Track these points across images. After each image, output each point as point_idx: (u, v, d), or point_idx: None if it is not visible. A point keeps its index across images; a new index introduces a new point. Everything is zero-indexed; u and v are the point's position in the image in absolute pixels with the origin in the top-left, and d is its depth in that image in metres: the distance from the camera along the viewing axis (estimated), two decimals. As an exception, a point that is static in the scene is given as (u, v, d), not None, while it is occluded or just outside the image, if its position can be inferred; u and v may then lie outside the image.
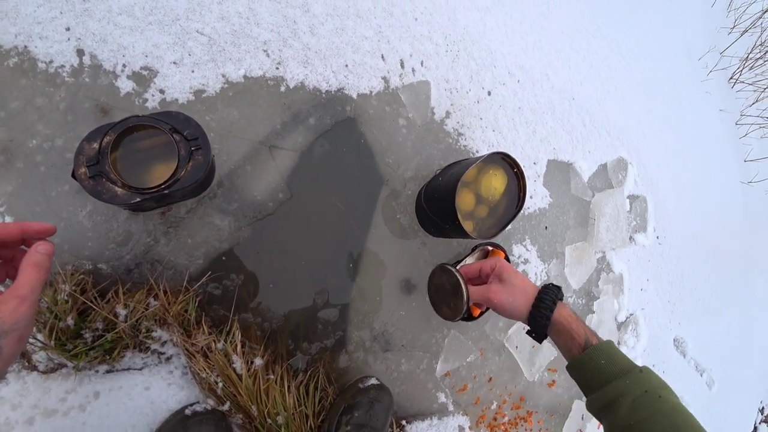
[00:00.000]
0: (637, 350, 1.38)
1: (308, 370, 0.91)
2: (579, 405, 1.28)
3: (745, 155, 2.07)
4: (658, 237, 1.48)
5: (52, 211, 0.80)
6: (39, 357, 0.72)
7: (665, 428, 0.52)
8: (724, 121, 2.01)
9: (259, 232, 0.90)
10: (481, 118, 1.15)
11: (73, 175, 0.68)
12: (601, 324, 1.31)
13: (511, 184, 1.00)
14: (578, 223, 1.31)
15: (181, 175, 0.72)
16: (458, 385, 1.10)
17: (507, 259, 1.07)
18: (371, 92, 1.02)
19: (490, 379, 1.14)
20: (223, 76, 0.89)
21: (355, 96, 1.00)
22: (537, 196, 1.23)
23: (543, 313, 0.68)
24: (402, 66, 1.06)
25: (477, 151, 1.13)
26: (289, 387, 0.85)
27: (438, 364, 1.06)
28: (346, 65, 1.00)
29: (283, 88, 0.93)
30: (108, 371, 0.74)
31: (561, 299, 0.70)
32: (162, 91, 0.86)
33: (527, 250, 1.20)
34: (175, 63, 0.87)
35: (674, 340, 1.53)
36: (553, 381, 1.25)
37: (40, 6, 0.82)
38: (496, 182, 0.98)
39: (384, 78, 1.03)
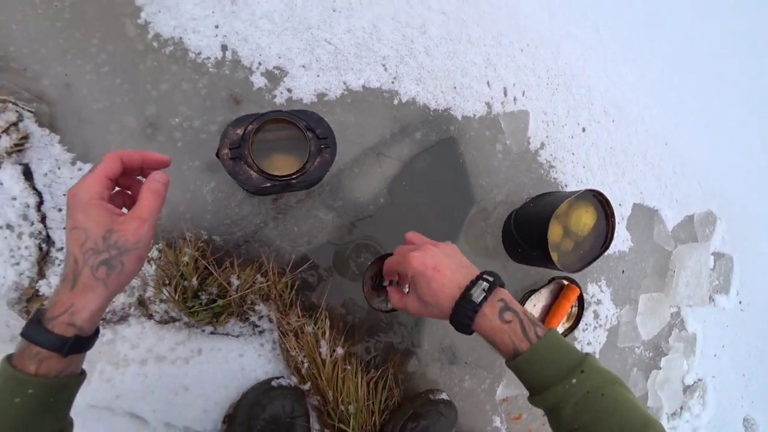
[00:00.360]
0: (702, 419, 1.31)
1: (379, 368, 0.95)
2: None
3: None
4: (741, 302, 1.41)
5: (181, 182, 0.89)
6: (157, 308, 0.80)
7: (612, 427, 0.48)
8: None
9: (357, 231, 0.96)
10: (573, 154, 1.16)
11: (217, 155, 0.77)
12: (667, 382, 1.26)
13: (600, 222, 1.01)
14: (656, 273, 1.27)
15: (309, 169, 0.79)
16: (514, 412, 1.09)
17: (581, 297, 1.07)
18: (474, 115, 1.06)
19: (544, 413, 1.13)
20: (344, 83, 0.97)
21: (459, 117, 1.04)
22: (618, 239, 1.21)
23: (461, 329, 0.57)
24: (505, 94, 1.10)
25: (566, 185, 1.14)
26: (361, 380, 0.89)
27: (499, 387, 1.06)
28: (455, 87, 1.05)
29: (396, 102, 1.00)
30: (212, 333, 0.81)
31: (474, 313, 0.55)
32: (290, 90, 0.94)
33: (602, 291, 1.18)
34: (303, 66, 0.96)
35: (744, 419, 1.43)
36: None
37: (197, 5, 0.93)
38: (586, 218, 0.99)
39: (487, 103, 1.08)
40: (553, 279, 1.07)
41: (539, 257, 0.95)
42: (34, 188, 0.83)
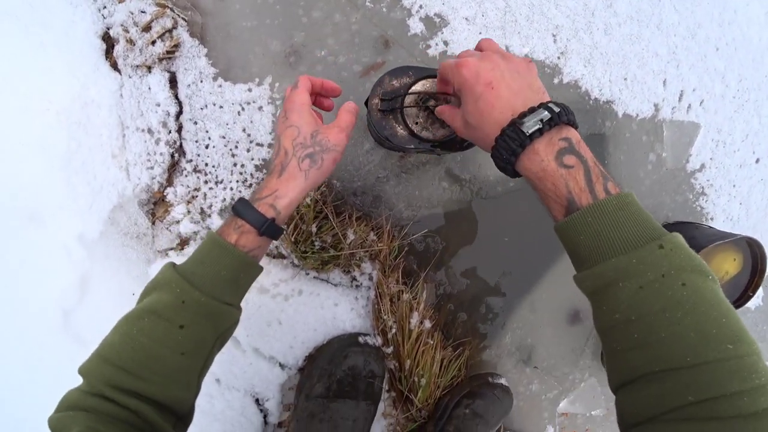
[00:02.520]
0: None
1: (456, 348, 0.94)
2: None
3: None
4: None
5: (315, 118, 0.87)
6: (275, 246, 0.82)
7: (687, 328, 0.33)
8: None
9: (478, 209, 0.91)
10: (734, 186, 1.00)
11: (366, 103, 0.73)
12: None
13: (743, 274, 0.89)
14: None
15: (457, 137, 0.73)
16: (569, 428, 1.07)
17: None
18: (637, 115, 0.92)
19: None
20: (507, 48, 0.86)
21: (620, 114, 0.91)
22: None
23: (502, 166, 0.46)
24: (680, 98, 0.94)
25: (712, 219, 1.00)
26: (438, 356, 0.90)
27: (564, 401, 1.03)
28: (625, 78, 0.91)
29: (556, 80, 0.88)
30: (315, 277, 0.83)
31: (522, 148, 0.42)
32: (446, 43, 0.86)
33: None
34: (467, 19, 0.86)
35: None
36: None
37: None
38: (729, 266, 0.87)
39: (656, 105, 0.93)
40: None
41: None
42: (177, 98, 0.84)
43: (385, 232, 0.82)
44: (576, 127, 0.44)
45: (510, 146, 0.42)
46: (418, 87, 0.68)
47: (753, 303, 1.08)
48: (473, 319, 0.96)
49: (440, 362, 0.91)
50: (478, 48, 0.52)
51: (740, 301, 0.88)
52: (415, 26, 0.85)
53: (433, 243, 0.90)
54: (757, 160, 1.00)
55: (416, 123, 0.68)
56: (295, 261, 0.81)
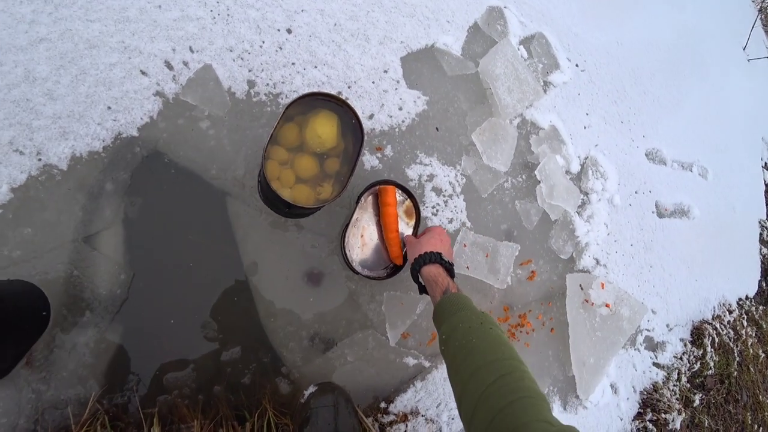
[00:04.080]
0: (609, 189, 1.21)
1: (255, 415, 0.87)
2: (573, 278, 1.16)
3: None
4: (577, 65, 1.25)
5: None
6: None
7: (486, 348, 0.64)
8: None
9: (127, 320, 0.84)
10: (293, 63, 0.98)
11: None
12: (554, 188, 1.15)
13: (345, 117, 0.85)
14: (474, 103, 1.12)
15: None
16: (424, 339, 1.02)
17: (401, 188, 0.95)
18: (152, 117, 0.88)
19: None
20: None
21: (136, 133, 0.87)
22: (407, 104, 1.05)
23: (418, 266, 0.83)
24: (170, 67, 0.90)
25: (307, 103, 0.97)
26: (240, 443, 0.82)
27: (388, 333, 0.98)
28: (109, 108, 0.86)
29: (58, 175, 0.83)
30: None
31: (435, 262, 0.83)
32: None
33: (426, 164, 1.05)
34: None
35: (646, 155, 1.33)
36: (533, 272, 1.13)
37: None
38: (320, 129, 0.83)
39: (158, 93, 0.89)
40: (360, 197, 0.94)
41: (296, 208, 0.81)
42: None
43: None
44: (453, 277, 0.84)
45: (431, 258, 0.83)
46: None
47: (421, 104, 1.06)
48: (244, 376, 0.89)
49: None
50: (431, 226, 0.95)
51: (360, 130, 0.85)
52: None
53: (130, 381, 0.83)
54: (289, 30, 0.98)
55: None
56: None
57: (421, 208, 1.01)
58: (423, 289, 0.86)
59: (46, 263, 0.82)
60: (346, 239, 0.92)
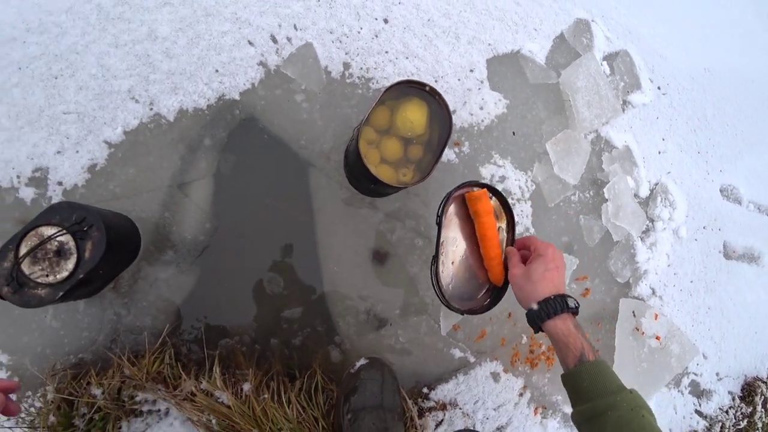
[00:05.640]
0: (676, 220, 1.18)
1: (304, 376, 0.91)
2: (627, 303, 1.14)
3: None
4: (659, 87, 1.23)
5: (23, 326, 0.87)
6: None
7: None
8: None
9: (205, 266, 0.90)
10: (386, 52, 1.02)
11: (1, 296, 0.73)
12: (621, 209, 1.14)
13: (435, 108, 0.89)
14: (552, 112, 1.13)
15: (86, 257, 0.74)
16: (474, 334, 1.03)
17: (491, 189, 0.82)
18: (254, 84, 0.95)
19: (510, 314, 1.06)
20: (105, 142, 0.89)
21: (238, 97, 0.94)
22: (488, 104, 1.07)
23: (539, 317, 0.69)
24: (274, 40, 0.97)
25: (394, 90, 1.01)
26: (288, 399, 0.86)
27: (441, 321, 1.00)
28: (217, 70, 0.94)
29: (164, 124, 0.91)
30: (117, 445, 0.80)
31: (563, 312, 0.67)
32: (60, 183, 0.88)
33: (499, 166, 1.07)
34: (59, 152, 0.88)
35: (721, 190, 1.28)
36: (586, 289, 1.12)
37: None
38: (411, 114, 0.87)
39: (261, 63, 0.96)
40: (440, 218, 0.78)
41: (381, 186, 0.85)
42: None
43: (124, 362, 0.80)
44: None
45: (555, 308, 0.67)
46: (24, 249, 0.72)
47: (501, 107, 1.08)
48: (301, 339, 0.94)
49: (296, 400, 0.87)
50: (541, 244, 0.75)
51: (449, 123, 0.87)
52: (27, 193, 0.87)
53: (198, 322, 0.89)
54: (386, 21, 1.03)
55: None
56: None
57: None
58: (539, 329, 0.71)
59: (143, 202, 0.90)
60: (439, 273, 0.76)
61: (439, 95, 0.86)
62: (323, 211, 0.95)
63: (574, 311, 0.68)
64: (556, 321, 0.66)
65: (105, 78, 0.90)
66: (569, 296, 0.69)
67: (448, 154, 1.03)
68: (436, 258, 0.76)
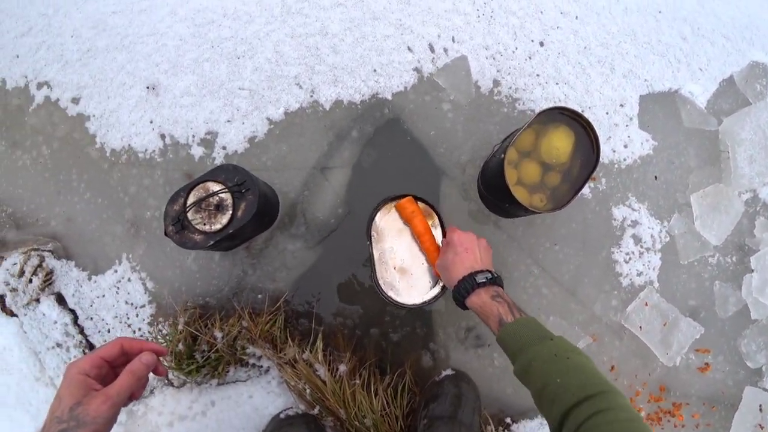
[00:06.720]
0: (842, 311, 1.01)
1: (394, 373, 0.93)
2: (754, 393, 1.00)
3: None
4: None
5: (170, 262, 1.00)
6: (172, 376, 0.91)
7: (574, 383, 0.55)
8: None
9: (329, 247, 0.97)
10: (537, 75, 1.02)
11: (166, 233, 0.85)
12: (767, 283, 1.00)
13: (581, 139, 0.86)
14: (704, 162, 1.03)
15: (239, 215, 0.84)
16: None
17: (419, 198, 0.89)
18: (406, 88, 1.00)
19: (612, 367, 0.98)
20: (267, 119, 1.00)
21: (389, 97, 1.00)
22: (634, 143, 1.02)
23: (458, 301, 0.74)
24: (432, 50, 1.01)
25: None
26: (376, 390, 0.89)
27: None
28: (375, 70, 1.00)
29: (320, 112, 0.99)
30: (219, 384, 0.89)
31: (475, 288, 0.71)
32: (224, 147, 1.00)
33: (634, 209, 1.00)
34: (228, 121, 1.01)
35: None
36: (707, 364, 1.00)
37: (131, 111, 1.04)
38: (557, 142, 0.85)
39: (416, 69, 1.01)
40: (369, 237, 0.87)
41: (515, 208, 0.85)
42: (68, 308, 1.01)
43: (246, 316, 0.88)
44: (502, 286, 0.73)
45: (466, 288, 0.71)
46: (192, 199, 0.82)
47: (647, 148, 1.01)
48: (398, 336, 0.96)
49: (383, 393, 0.90)
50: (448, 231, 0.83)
51: (595, 157, 0.84)
52: (197, 151, 1.01)
53: (312, 297, 0.96)
54: (541, 43, 1.03)
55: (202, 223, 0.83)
56: (195, 380, 0.88)
57: (614, 251, 0.98)
58: (465, 308, 0.75)
59: (288, 177, 0.99)
60: (380, 282, 0.85)
61: (591, 127, 0.83)
62: (448, 220, 0.97)
63: (490, 283, 0.71)
64: (472, 297, 0.71)
65: (277, 63, 1.01)
66: (480, 271, 0.72)
67: (583, 188, 0.99)
68: (372, 268, 0.86)
